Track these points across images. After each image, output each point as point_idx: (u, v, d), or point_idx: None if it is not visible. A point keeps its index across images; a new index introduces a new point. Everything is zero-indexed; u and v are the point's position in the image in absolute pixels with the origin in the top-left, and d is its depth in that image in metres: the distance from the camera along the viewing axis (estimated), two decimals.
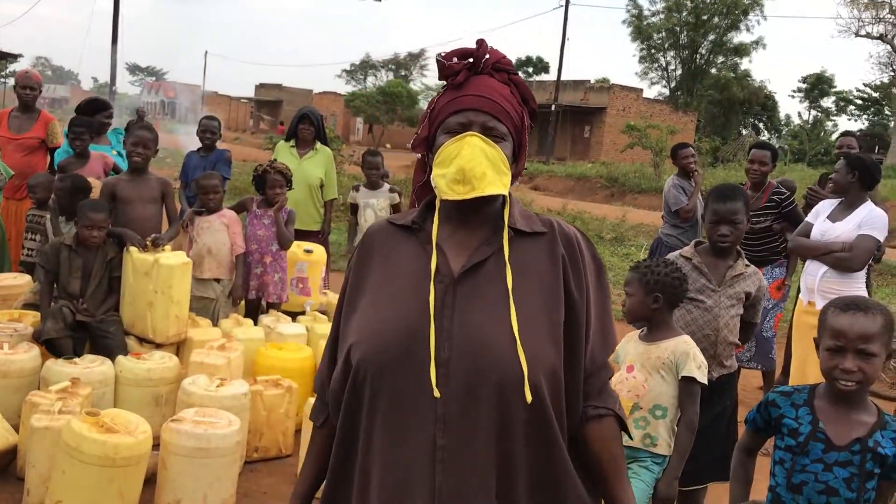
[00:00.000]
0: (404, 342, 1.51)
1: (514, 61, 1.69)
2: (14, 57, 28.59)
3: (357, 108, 46.72)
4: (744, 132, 47.87)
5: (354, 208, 6.61)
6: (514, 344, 1.48)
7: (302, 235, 6.14)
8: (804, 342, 4.49)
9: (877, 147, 42.89)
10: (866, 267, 4.60)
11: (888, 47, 40.74)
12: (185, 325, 4.70)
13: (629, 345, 3.10)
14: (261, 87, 63.61)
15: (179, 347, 4.69)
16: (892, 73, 42.72)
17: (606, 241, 13.98)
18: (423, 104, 51.42)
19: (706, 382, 2.96)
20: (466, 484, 1.48)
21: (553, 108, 37.64)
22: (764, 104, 52.49)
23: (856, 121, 55.95)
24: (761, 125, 54.67)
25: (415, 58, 64.69)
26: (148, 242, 4.60)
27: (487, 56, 1.62)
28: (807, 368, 4.40)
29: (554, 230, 1.63)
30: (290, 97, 56.73)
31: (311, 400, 3.94)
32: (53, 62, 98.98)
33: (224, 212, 5.34)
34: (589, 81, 45.80)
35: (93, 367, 4.03)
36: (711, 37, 49.48)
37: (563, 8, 37.76)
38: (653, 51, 51.35)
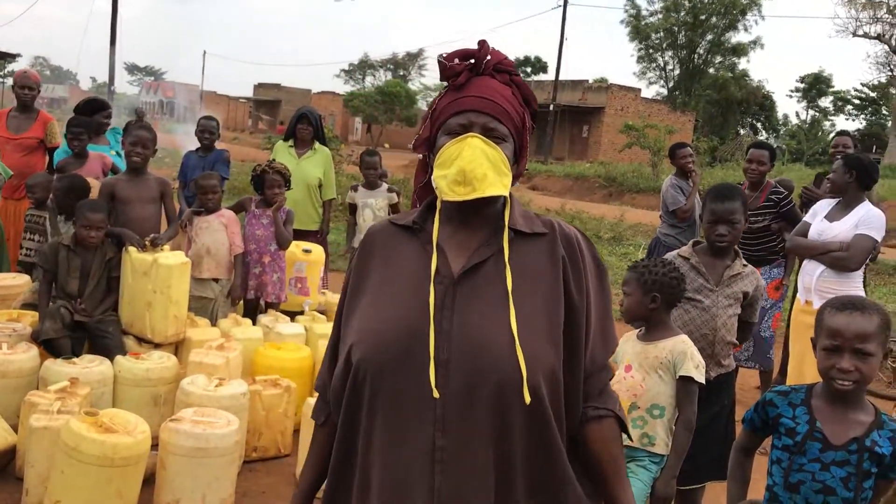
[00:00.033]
0: (404, 342, 1.52)
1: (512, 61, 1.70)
2: (12, 57, 28.55)
3: (355, 107, 46.71)
4: (742, 132, 47.96)
5: (353, 208, 6.62)
6: (514, 345, 1.48)
7: (300, 235, 6.14)
8: (802, 341, 4.49)
9: (874, 147, 42.94)
10: (863, 266, 4.60)
11: (886, 47, 40.80)
12: (184, 324, 4.70)
13: (627, 344, 3.10)
14: (259, 86, 63.59)
15: (178, 347, 4.69)
16: (890, 73, 42.78)
17: (604, 240, 14.00)
18: (422, 104, 51.45)
19: (704, 382, 2.97)
20: (466, 485, 1.48)
21: (551, 107, 37.68)
22: (762, 104, 52.55)
23: (853, 120, 56.09)
24: (759, 125, 54.76)
25: (413, 58, 64.73)
26: (147, 242, 4.60)
27: (489, 57, 1.62)
28: (804, 368, 4.41)
29: (554, 231, 1.63)
30: (289, 97, 56.73)
31: (310, 400, 3.96)
32: (52, 62, 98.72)
33: (223, 212, 5.35)
34: (587, 81, 45.84)
35: (91, 366, 4.03)
36: (709, 37, 49.55)
37: (562, 8, 37.80)
38: (651, 51, 51.39)
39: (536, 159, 33.68)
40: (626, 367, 3.04)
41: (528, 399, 1.47)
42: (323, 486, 1.70)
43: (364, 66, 66.24)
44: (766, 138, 48.48)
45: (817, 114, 57.56)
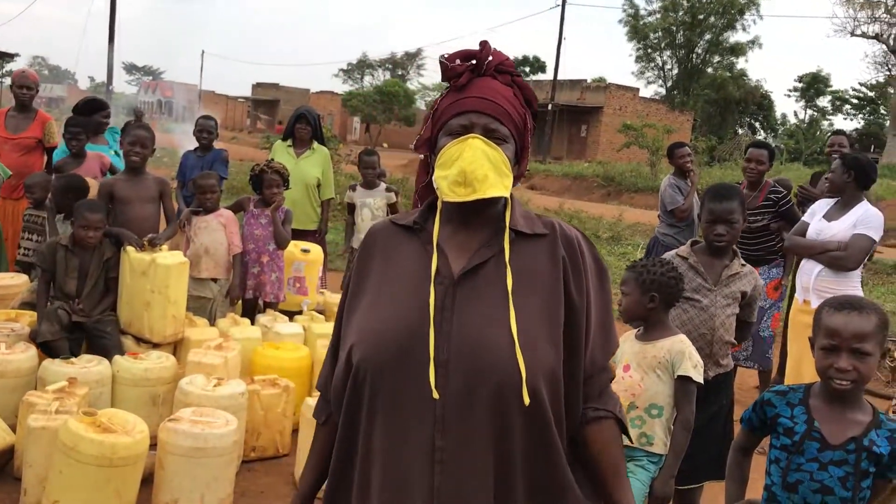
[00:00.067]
0: (404, 343, 1.52)
1: None
2: (10, 56, 28.57)
3: (354, 107, 46.70)
4: (740, 131, 47.98)
5: (351, 208, 6.63)
6: (513, 346, 1.48)
7: (299, 235, 6.14)
8: (800, 341, 4.50)
9: (872, 146, 42.97)
10: (861, 266, 4.61)
11: (884, 47, 40.83)
12: (182, 324, 4.70)
13: (625, 344, 3.10)
14: (258, 86, 63.59)
15: (177, 347, 4.69)
16: (888, 73, 42.81)
17: (603, 240, 14.01)
18: (421, 104, 51.48)
19: (702, 381, 2.97)
20: (465, 485, 1.48)
21: (550, 107, 37.70)
22: (760, 103, 52.59)
23: (851, 120, 56.13)
24: (757, 124, 54.81)
25: (412, 57, 64.66)
26: (145, 242, 4.60)
27: (490, 58, 1.63)
28: (802, 367, 4.41)
29: (555, 232, 1.63)
30: (287, 96, 56.74)
31: (309, 399, 3.96)
32: (50, 62, 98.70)
33: (221, 211, 5.34)
34: (585, 81, 45.86)
35: (90, 366, 4.03)
36: (708, 36, 49.55)
37: (560, 7, 37.81)
38: (649, 50, 51.39)
39: (535, 159, 33.69)
40: (625, 367, 3.04)
41: (527, 400, 1.47)
42: (324, 486, 1.70)
43: (362, 66, 66.18)
44: (765, 138, 48.54)
45: (815, 113, 57.62)
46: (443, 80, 1.63)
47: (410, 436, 1.50)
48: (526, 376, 1.47)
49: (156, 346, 4.54)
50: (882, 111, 50.18)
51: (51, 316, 4.27)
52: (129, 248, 4.58)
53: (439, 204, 1.63)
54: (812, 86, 56.81)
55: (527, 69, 59.94)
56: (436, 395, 1.48)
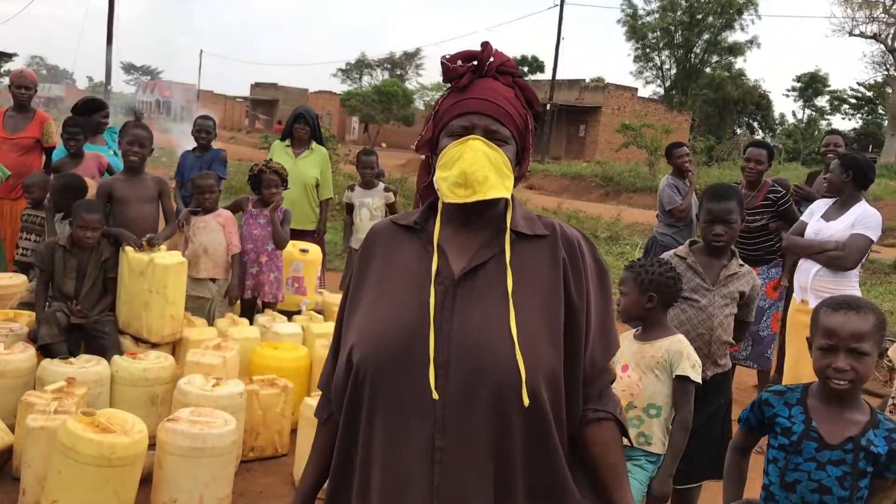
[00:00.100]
0: (404, 343, 1.52)
1: None
2: (9, 56, 28.57)
3: (353, 107, 46.69)
4: (738, 131, 47.97)
5: (350, 208, 6.62)
6: (513, 347, 1.49)
7: (297, 235, 6.15)
8: (798, 341, 4.50)
9: (870, 146, 43.01)
10: (859, 266, 4.61)
11: (882, 46, 40.88)
12: (181, 324, 4.69)
13: (624, 344, 3.10)
14: (256, 86, 63.57)
15: (175, 347, 4.69)
16: (886, 73, 42.84)
17: (601, 239, 14.01)
18: (419, 103, 51.48)
19: (700, 381, 2.97)
20: (465, 485, 1.48)
21: (548, 107, 37.71)
22: (758, 103, 52.61)
23: (850, 120, 56.20)
24: (756, 124, 54.81)
25: (410, 57, 64.68)
26: (143, 242, 4.60)
27: (492, 59, 1.63)
28: (800, 367, 4.42)
29: (556, 233, 1.63)
30: (286, 96, 56.73)
31: (308, 399, 3.97)
32: (48, 61, 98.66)
33: (220, 211, 5.34)
34: (584, 81, 45.88)
35: (88, 366, 4.03)
36: (706, 36, 49.58)
37: (558, 7, 37.83)
38: (647, 50, 51.42)
39: (533, 159, 33.26)
40: (623, 367, 3.04)
41: (526, 401, 1.47)
42: (324, 486, 1.70)
43: (361, 66, 66.18)
44: (763, 137, 48.52)
45: (814, 113, 57.65)
46: (444, 80, 1.63)
47: (410, 436, 1.50)
48: (525, 377, 1.47)
49: (154, 346, 4.54)
50: (880, 111, 50.21)
51: (50, 319, 4.26)
52: (128, 248, 4.57)
53: (440, 204, 1.63)
54: (810, 86, 56.85)
55: (525, 69, 59.90)
56: (436, 395, 1.48)
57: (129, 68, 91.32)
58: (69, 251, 4.48)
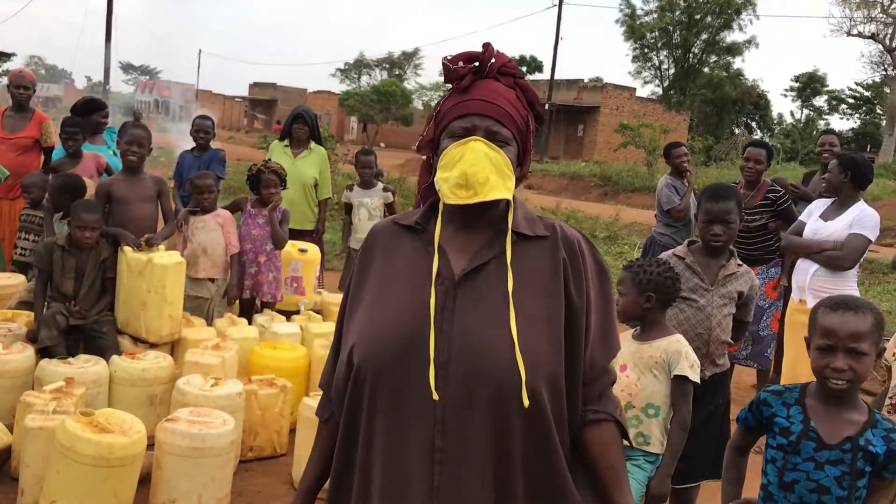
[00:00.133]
0: (404, 343, 1.52)
1: None
2: (7, 56, 28.53)
3: (351, 107, 46.69)
4: (736, 131, 48.01)
5: (348, 207, 6.63)
6: (513, 348, 1.49)
7: (296, 235, 6.15)
8: (796, 341, 4.51)
9: (868, 146, 43.05)
10: (857, 265, 4.62)
11: (880, 46, 40.88)
12: (179, 324, 4.69)
13: (622, 344, 3.10)
14: (255, 85, 63.53)
15: (174, 347, 4.69)
16: (884, 73, 42.86)
17: (600, 239, 14.02)
18: (418, 103, 51.48)
19: (699, 381, 2.98)
20: (465, 486, 1.48)
21: (546, 107, 37.69)
22: (756, 103, 52.65)
23: (848, 120, 56.25)
24: (754, 124, 54.85)
25: (409, 57, 64.64)
26: (142, 242, 4.59)
27: (493, 60, 1.63)
28: (798, 367, 4.42)
29: (556, 234, 1.63)
30: (285, 96, 56.70)
31: (307, 399, 3.97)
32: (47, 61, 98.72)
33: (219, 211, 5.34)
34: (582, 80, 45.91)
35: (87, 367, 4.02)
36: (704, 36, 49.58)
37: (557, 7, 37.84)
38: (646, 50, 51.42)
39: (532, 158, 33.63)
40: (622, 367, 3.05)
41: (526, 402, 1.47)
42: (325, 486, 1.70)
43: (360, 66, 66.14)
44: (761, 137, 48.55)
45: (812, 113, 57.68)
46: (445, 81, 1.63)
47: (410, 436, 1.50)
48: (526, 378, 1.47)
49: (153, 345, 4.54)
50: (878, 111, 50.24)
51: (49, 321, 4.26)
52: (126, 248, 4.57)
53: (441, 205, 1.63)
54: (808, 85, 56.89)
55: (524, 69, 59.91)
56: (436, 396, 1.48)
57: (127, 68, 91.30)
58: (68, 251, 4.48)
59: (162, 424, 3.51)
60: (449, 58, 1.64)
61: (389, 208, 6.52)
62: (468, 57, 1.63)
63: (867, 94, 51.12)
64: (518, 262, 1.57)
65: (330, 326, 5.01)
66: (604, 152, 38.55)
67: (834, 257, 4.44)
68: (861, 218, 4.45)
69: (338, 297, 5.74)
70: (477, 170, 1.53)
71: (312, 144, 6.65)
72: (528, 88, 1.66)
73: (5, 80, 7.92)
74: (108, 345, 4.40)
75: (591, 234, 14.31)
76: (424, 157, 1.71)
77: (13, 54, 35.27)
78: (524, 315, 1.52)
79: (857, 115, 54.62)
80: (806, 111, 58.12)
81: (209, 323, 5.05)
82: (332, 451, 1.65)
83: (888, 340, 3.09)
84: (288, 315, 5.28)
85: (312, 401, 3.83)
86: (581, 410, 1.61)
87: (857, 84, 51.95)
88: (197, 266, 5.14)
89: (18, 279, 5.25)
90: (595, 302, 1.62)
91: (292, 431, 4.28)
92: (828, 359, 2.18)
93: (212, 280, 5.23)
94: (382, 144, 44.08)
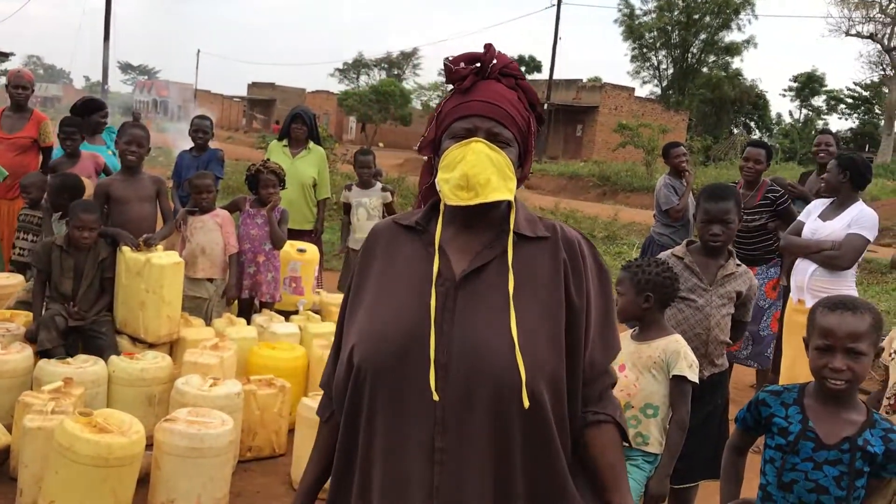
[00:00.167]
0: (404, 344, 1.52)
1: None
2: (5, 56, 28.50)
3: (350, 107, 46.66)
4: (735, 131, 48.00)
5: (347, 207, 6.63)
6: (514, 349, 1.49)
7: (295, 235, 6.15)
8: (794, 340, 4.51)
9: (867, 146, 43.09)
10: (855, 265, 4.62)
11: (878, 46, 40.92)
12: (177, 324, 4.69)
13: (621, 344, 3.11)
14: (253, 85, 63.49)
15: (173, 347, 4.69)
16: (882, 72, 42.90)
17: (598, 239, 14.02)
18: (416, 103, 51.43)
19: (697, 381, 2.98)
20: (465, 486, 1.48)
21: (545, 107, 37.68)
22: (755, 103, 52.64)
23: (846, 120, 56.33)
24: (753, 124, 54.84)
25: (407, 57, 64.64)
26: (140, 242, 4.59)
27: (495, 61, 1.63)
28: (797, 367, 4.42)
29: (556, 234, 1.63)
30: (283, 96, 56.66)
31: (305, 399, 3.97)
32: (45, 61, 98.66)
33: (217, 211, 5.34)
34: (581, 80, 45.90)
35: (86, 367, 4.02)
36: (703, 36, 49.61)
37: (556, 7, 37.84)
38: (644, 50, 51.45)
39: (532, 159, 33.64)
40: (620, 367, 3.04)
41: (526, 403, 1.47)
42: (326, 486, 1.71)
43: (358, 66, 66.12)
44: (760, 137, 48.58)
45: (810, 113, 57.68)
46: (447, 82, 1.64)
47: (410, 437, 1.50)
48: (526, 379, 1.47)
49: (151, 346, 4.54)
50: (877, 111, 50.28)
51: (48, 323, 4.25)
52: (125, 248, 4.57)
53: (442, 206, 1.63)
54: (807, 85, 56.90)
55: (523, 69, 59.71)
56: (436, 396, 1.48)
57: (126, 68, 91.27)
58: (66, 251, 4.48)
59: (161, 424, 3.51)
60: (450, 59, 1.64)
61: (388, 208, 6.52)
62: (470, 58, 1.63)
63: (865, 94, 51.17)
64: (519, 263, 1.57)
65: (329, 326, 5.02)
66: (602, 152, 38.55)
67: (832, 257, 4.44)
68: (859, 218, 4.45)
69: (336, 298, 5.74)
70: (478, 171, 1.53)
71: (311, 144, 6.65)
72: (530, 90, 1.66)
73: (3, 79, 7.91)
74: (106, 345, 4.40)
75: (590, 233, 14.32)
76: (426, 158, 1.71)
77: (11, 54, 35.24)
78: (525, 316, 1.52)
79: (855, 115, 54.68)
80: (804, 111, 58.18)
81: (208, 323, 5.05)
82: (332, 451, 1.65)
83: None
84: (287, 315, 5.29)
85: (311, 401, 3.83)
86: (581, 411, 1.61)
87: (855, 84, 52.05)
88: (195, 266, 5.14)
89: (17, 279, 5.25)
90: (595, 302, 1.62)
91: (291, 432, 4.28)
92: (826, 359, 2.18)
93: (210, 280, 5.23)
94: (381, 144, 44.08)
